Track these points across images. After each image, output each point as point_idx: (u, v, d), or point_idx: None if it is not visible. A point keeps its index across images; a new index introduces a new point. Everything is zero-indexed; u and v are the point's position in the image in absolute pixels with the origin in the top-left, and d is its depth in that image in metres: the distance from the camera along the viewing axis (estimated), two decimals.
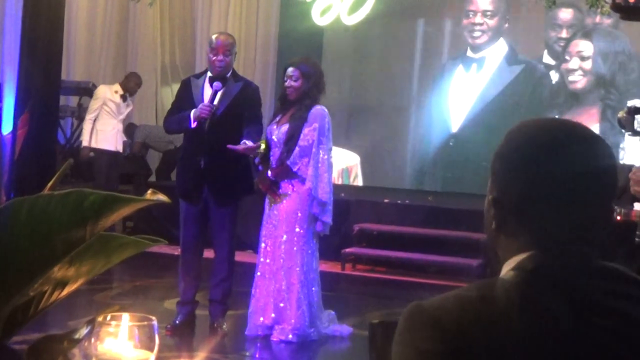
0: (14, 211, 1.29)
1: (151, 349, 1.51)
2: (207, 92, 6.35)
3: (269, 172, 6.26)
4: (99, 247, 1.42)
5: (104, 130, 10.70)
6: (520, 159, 1.50)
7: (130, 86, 11.04)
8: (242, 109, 6.33)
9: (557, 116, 11.45)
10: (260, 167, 6.46)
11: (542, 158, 1.48)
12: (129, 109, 11.14)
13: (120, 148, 10.99)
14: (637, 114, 3.00)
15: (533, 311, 1.38)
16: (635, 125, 3.02)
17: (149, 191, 1.37)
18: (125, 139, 11.22)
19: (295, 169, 6.18)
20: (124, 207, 1.30)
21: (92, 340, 1.48)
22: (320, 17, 12.51)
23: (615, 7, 2.20)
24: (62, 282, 1.44)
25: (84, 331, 1.48)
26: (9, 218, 1.29)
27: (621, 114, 3.07)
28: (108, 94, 10.77)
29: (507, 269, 1.48)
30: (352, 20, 12.35)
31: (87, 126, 10.75)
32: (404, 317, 1.45)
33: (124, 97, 10.89)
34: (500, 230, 1.52)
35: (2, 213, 1.29)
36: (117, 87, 10.95)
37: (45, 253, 1.31)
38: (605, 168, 1.50)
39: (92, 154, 10.88)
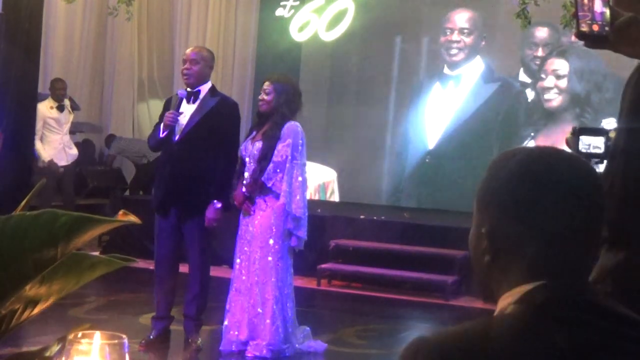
0: None
1: None
2: (183, 105, 6.40)
3: (243, 188, 6.28)
4: (71, 266, 1.43)
5: (49, 147, 10.60)
6: (513, 191, 1.49)
7: (57, 94, 10.77)
8: (216, 124, 6.35)
9: (532, 134, 11.55)
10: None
11: (537, 188, 1.48)
12: (71, 117, 10.93)
13: (71, 160, 10.84)
14: (581, 135, 3.04)
15: (539, 348, 1.39)
16: (580, 147, 3.05)
17: (121, 212, 1.39)
18: (72, 149, 11.01)
19: (269, 185, 6.20)
20: (95, 228, 1.32)
21: (63, 358, 1.49)
22: (298, 33, 12.57)
23: (580, 35, 2.22)
24: (33, 300, 1.45)
25: (55, 349, 1.49)
26: None
27: (569, 135, 3.10)
28: (45, 111, 10.55)
29: (507, 301, 1.48)
30: (330, 36, 12.42)
31: (38, 145, 10.60)
32: (409, 351, 1.44)
33: (60, 108, 10.75)
34: (495, 263, 1.51)
35: None
36: (50, 101, 10.72)
37: (17, 272, 1.33)
38: (598, 192, 1.52)
39: (61, 169, 10.74)
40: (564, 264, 1.48)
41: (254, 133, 6.39)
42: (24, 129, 8.22)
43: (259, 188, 6.22)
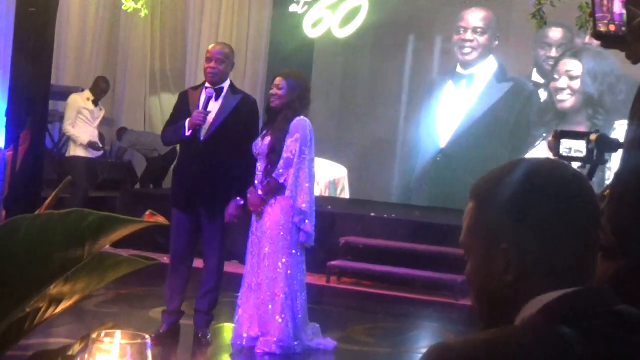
0: (13, 229, 1.30)
1: None
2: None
3: (259, 191, 6.25)
4: (94, 265, 1.43)
5: (79, 138, 10.64)
6: (527, 204, 1.50)
7: (99, 91, 10.97)
8: (239, 123, 6.38)
9: (544, 134, 11.51)
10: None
11: (549, 198, 1.49)
12: (102, 114, 11.08)
13: (95, 155, 10.89)
14: (562, 138, 3.02)
15: (561, 358, 1.39)
16: (561, 150, 3.04)
17: (148, 212, 1.39)
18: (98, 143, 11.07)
19: (281, 181, 6.19)
20: (122, 228, 1.32)
21: (85, 356, 1.49)
22: (311, 30, 12.55)
23: (597, 35, 2.23)
24: (57, 298, 1.45)
25: (77, 348, 1.49)
26: (8, 235, 1.30)
27: (550, 138, 3.09)
28: (81, 102, 10.69)
29: (529, 312, 1.48)
30: (343, 33, 12.40)
31: (72, 132, 10.66)
32: (430, 356, 1.44)
33: (95, 103, 10.85)
34: (518, 280, 1.50)
35: (1, 230, 1.30)
36: (88, 93, 10.87)
37: (43, 271, 1.32)
38: (598, 203, 1.53)
39: (104, 149, 10.91)
40: (583, 273, 1.49)
41: (265, 131, 6.38)
42: (37, 122, 8.23)
43: (275, 187, 6.20)
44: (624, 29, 2.19)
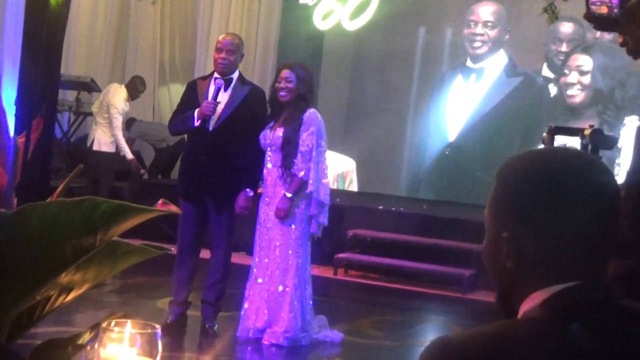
0: (26, 216, 1.29)
1: (153, 357, 1.52)
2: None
3: (287, 193, 6.21)
4: (106, 254, 1.42)
5: (126, 150, 10.71)
6: (533, 193, 1.47)
7: (136, 91, 10.99)
8: (248, 114, 6.36)
9: None
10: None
11: (557, 189, 1.46)
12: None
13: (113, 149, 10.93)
14: (556, 134, 3.01)
15: (564, 352, 1.38)
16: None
17: (160, 201, 1.38)
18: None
19: (301, 175, 6.16)
20: (135, 217, 1.31)
21: (95, 345, 1.49)
22: (321, 21, 12.52)
23: (589, 17, 2.23)
24: (68, 287, 1.45)
25: (87, 337, 1.49)
26: (20, 223, 1.29)
27: (545, 134, 3.08)
28: (123, 104, 10.67)
29: (531, 304, 1.47)
30: (353, 25, 12.37)
31: (122, 144, 10.66)
32: (431, 351, 1.43)
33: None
34: (518, 269, 1.49)
35: (13, 218, 1.30)
36: (125, 93, 10.81)
37: (55, 259, 1.32)
38: (615, 194, 1.50)
39: (142, 171, 11.13)
40: (588, 267, 1.47)
41: (273, 123, 6.33)
42: (47, 112, 8.22)
43: (301, 185, 6.17)
44: (616, 10, 2.19)
